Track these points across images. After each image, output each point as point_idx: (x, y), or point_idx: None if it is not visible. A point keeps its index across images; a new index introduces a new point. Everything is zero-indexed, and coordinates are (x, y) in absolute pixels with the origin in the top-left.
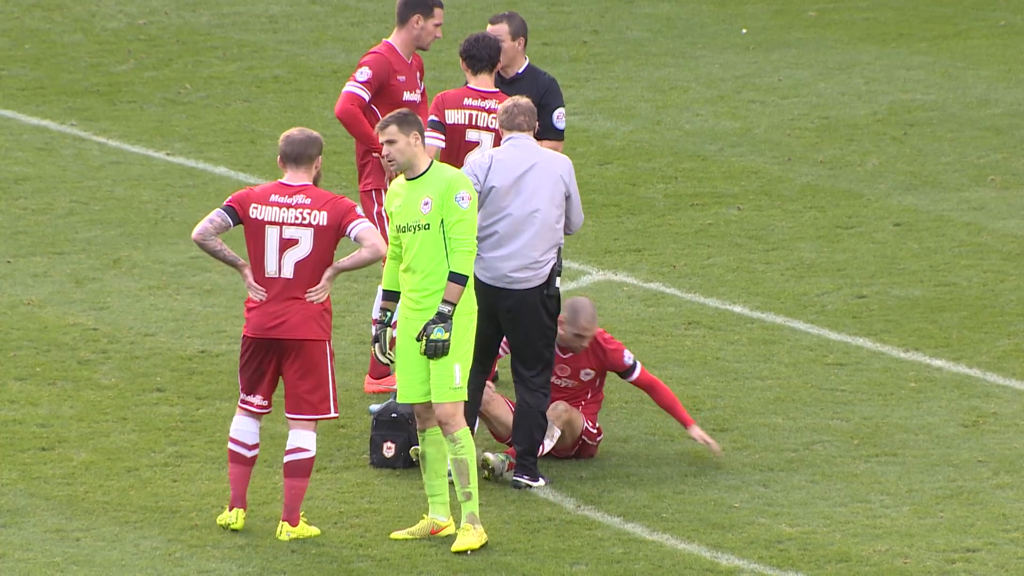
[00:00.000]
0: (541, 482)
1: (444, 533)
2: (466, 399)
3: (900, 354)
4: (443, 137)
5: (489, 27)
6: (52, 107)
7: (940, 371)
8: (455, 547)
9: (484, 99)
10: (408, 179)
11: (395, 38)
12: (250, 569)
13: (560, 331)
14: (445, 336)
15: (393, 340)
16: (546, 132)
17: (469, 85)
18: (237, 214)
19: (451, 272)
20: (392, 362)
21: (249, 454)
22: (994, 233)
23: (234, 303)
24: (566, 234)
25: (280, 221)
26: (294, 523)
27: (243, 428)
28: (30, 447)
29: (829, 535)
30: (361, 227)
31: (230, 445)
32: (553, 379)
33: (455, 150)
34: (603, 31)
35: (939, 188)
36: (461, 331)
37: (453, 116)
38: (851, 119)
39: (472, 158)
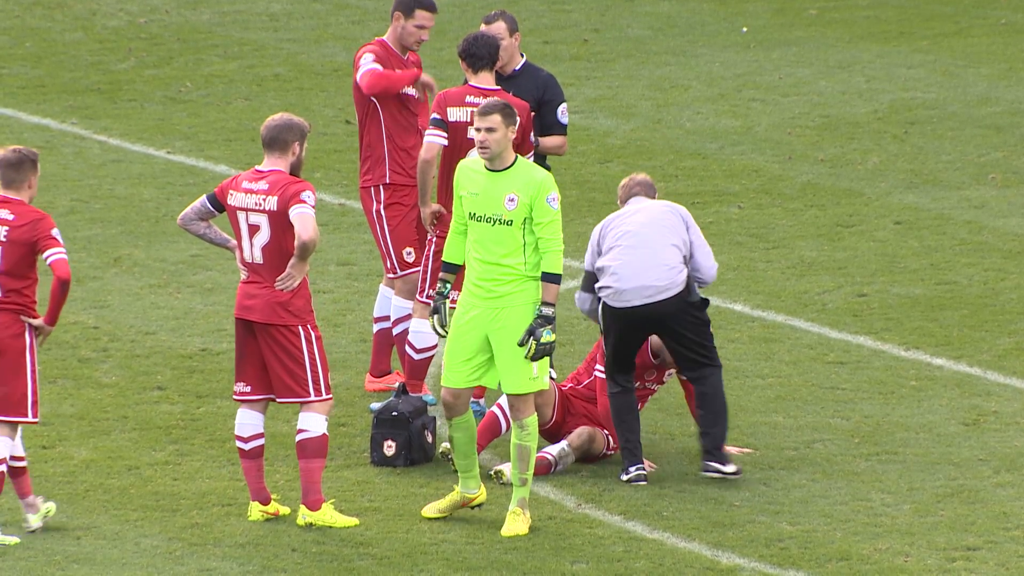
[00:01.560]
0: (731, 467)
1: (477, 502)
2: (544, 387)
3: (901, 352)
4: (446, 135)
5: (484, 27)
6: (53, 105)
7: (941, 369)
8: (505, 532)
9: (486, 96)
10: (491, 169)
11: (388, 35)
12: (251, 567)
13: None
14: (553, 338)
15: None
16: (552, 128)
17: (470, 83)
18: (219, 201)
19: (546, 273)
20: (445, 335)
21: (247, 446)
22: (995, 231)
23: (235, 301)
24: (702, 283)
25: (246, 207)
26: (311, 507)
27: (239, 420)
28: (31, 445)
29: (830, 533)
30: (294, 212)
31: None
32: (638, 384)
33: (457, 147)
34: (604, 29)
35: (940, 186)
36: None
37: (455, 114)
38: (852, 117)
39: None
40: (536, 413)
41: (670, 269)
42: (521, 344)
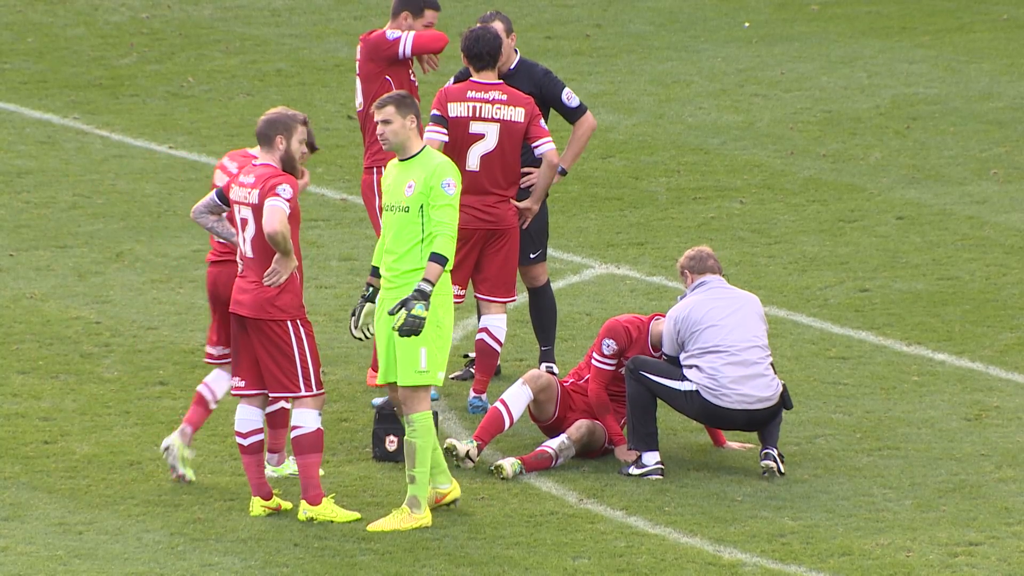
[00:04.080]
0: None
1: (449, 499)
2: (435, 383)
3: (903, 348)
4: (445, 131)
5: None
6: (55, 100)
7: (943, 365)
8: (369, 526)
9: (487, 91)
10: (399, 160)
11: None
12: (253, 562)
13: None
14: (424, 314)
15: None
16: (567, 116)
17: (472, 79)
18: (225, 196)
19: (433, 253)
20: (362, 338)
21: (246, 442)
22: (996, 227)
23: None
24: None
25: (239, 201)
26: (311, 502)
27: (238, 416)
28: (33, 440)
29: (832, 528)
30: (267, 205)
31: None
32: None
33: (459, 143)
34: (606, 25)
35: (942, 182)
36: (433, 315)
37: (456, 109)
38: (854, 113)
39: (674, 313)
40: (429, 411)
41: (772, 379)
42: (391, 313)
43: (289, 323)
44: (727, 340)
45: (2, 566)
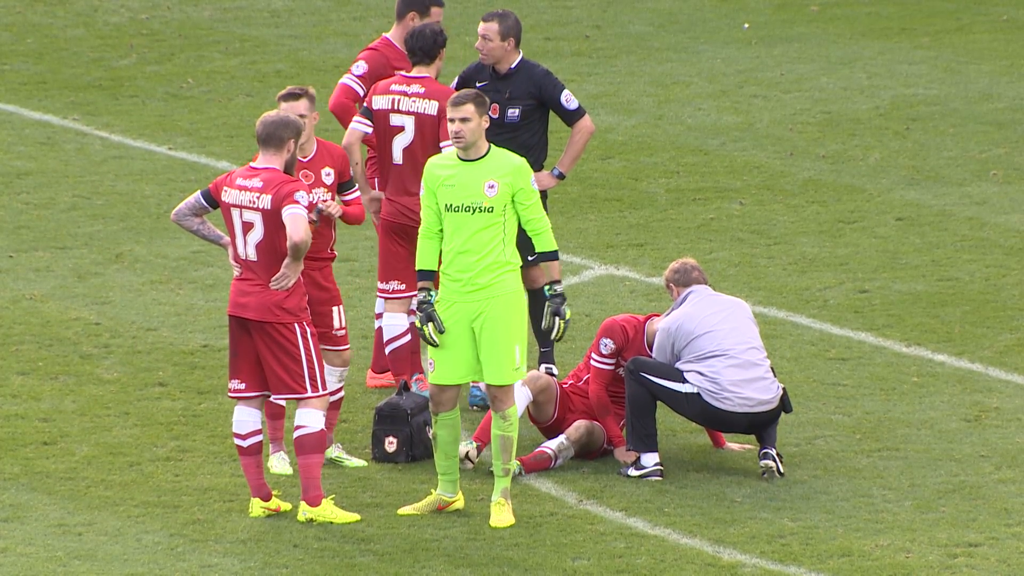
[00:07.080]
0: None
1: (452, 508)
2: (523, 377)
3: (902, 349)
4: (370, 123)
5: (481, 24)
6: (54, 101)
7: (942, 366)
8: (495, 523)
9: (409, 84)
10: (465, 159)
11: (393, 33)
12: (252, 563)
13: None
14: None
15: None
16: (565, 118)
17: (401, 72)
18: (213, 197)
19: (546, 253)
20: (436, 343)
21: (245, 443)
22: (996, 228)
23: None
24: None
25: (240, 204)
26: (311, 503)
27: (236, 417)
28: (32, 441)
29: (831, 530)
30: (287, 213)
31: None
32: None
33: (383, 135)
34: (605, 26)
35: (941, 183)
36: (520, 313)
37: (379, 102)
38: (853, 114)
39: (663, 324)
40: (516, 403)
41: (771, 382)
42: (548, 328)
43: (296, 325)
44: (725, 343)
45: (1, 567)
